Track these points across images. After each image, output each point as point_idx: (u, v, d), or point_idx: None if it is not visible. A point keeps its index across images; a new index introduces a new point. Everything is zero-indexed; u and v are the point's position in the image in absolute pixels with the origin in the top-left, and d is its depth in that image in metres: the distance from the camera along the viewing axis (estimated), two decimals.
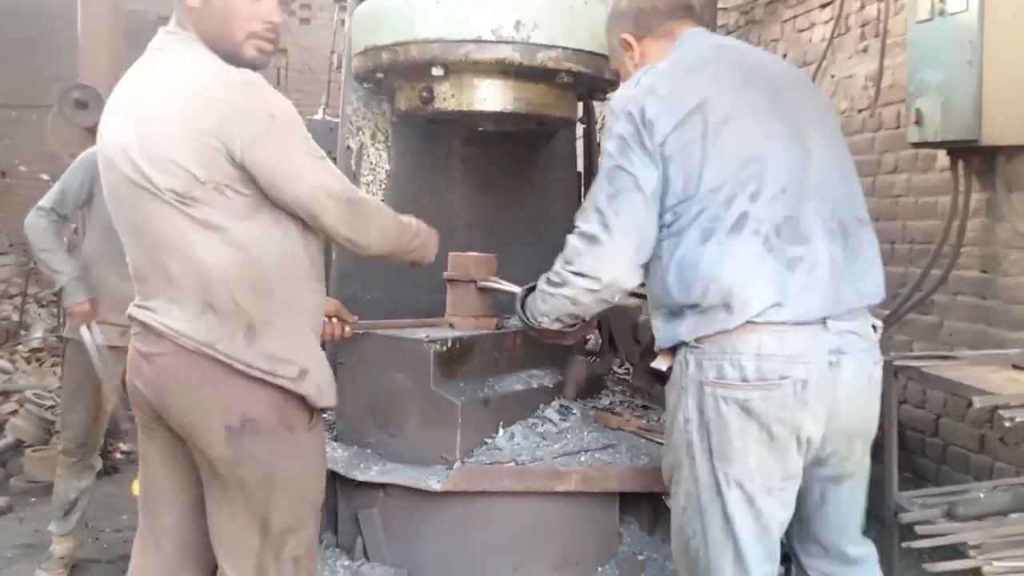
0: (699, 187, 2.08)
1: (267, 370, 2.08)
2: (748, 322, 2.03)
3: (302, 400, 2.14)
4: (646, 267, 2.19)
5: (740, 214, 2.05)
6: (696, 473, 2.14)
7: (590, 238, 2.17)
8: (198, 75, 2.10)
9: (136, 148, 2.06)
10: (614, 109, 2.20)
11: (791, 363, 2.03)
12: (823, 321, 2.06)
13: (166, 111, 2.05)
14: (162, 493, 2.27)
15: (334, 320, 2.65)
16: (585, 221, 2.20)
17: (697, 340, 2.09)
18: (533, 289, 2.49)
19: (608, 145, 2.19)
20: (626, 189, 2.13)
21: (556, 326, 2.43)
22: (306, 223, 2.14)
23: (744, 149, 2.10)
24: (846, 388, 2.10)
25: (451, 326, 2.99)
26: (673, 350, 2.18)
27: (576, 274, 2.21)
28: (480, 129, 3.19)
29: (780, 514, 2.15)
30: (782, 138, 2.14)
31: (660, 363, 2.23)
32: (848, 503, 2.28)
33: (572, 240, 2.23)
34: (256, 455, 2.10)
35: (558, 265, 2.27)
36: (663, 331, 2.19)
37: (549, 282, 2.31)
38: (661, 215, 2.13)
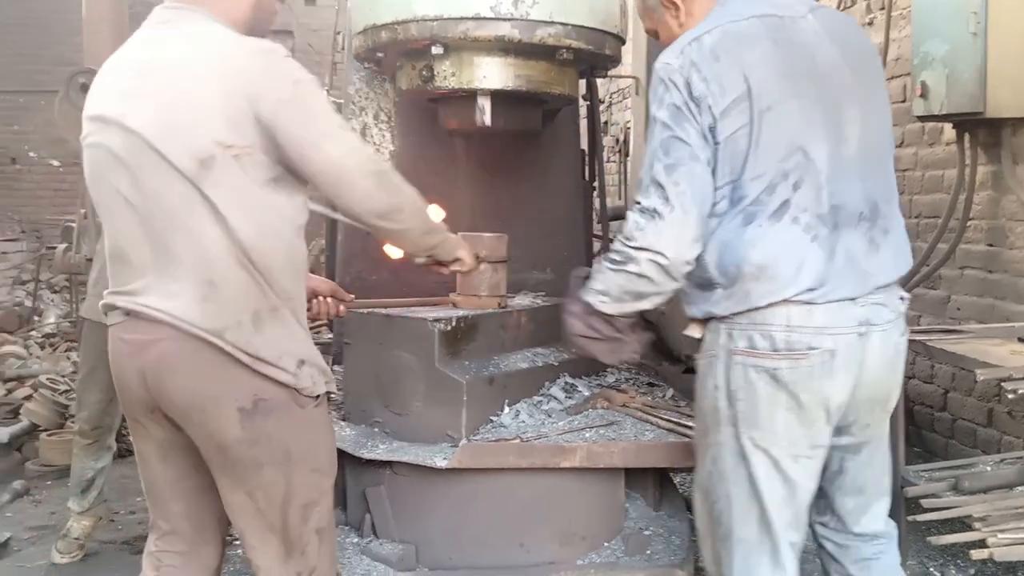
0: (743, 174, 2.09)
1: (271, 360, 2.06)
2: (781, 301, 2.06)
3: None
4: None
5: (782, 202, 2.07)
6: (721, 438, 2.18)
7: (651, 212, 2.08)
8: (221, 42, 2.07)
9: (147, 118, 2.00)
10: (662, 77, 2.13)
11: (820, 334, 2.06)
12: (852, 298, 2.08)
13: (190, 76, 2.02)
14: (166, 486, 2.26)
15: (329, 299, 2.65)
16: (645, 195, 2.12)
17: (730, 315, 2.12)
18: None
19: (660, 114, 2.12)
20: (685, 160, 2.07)
21: (614, 309, 2.24)
22: (307, 216, 2.12)
23: (788, 139, 2.10)
24: (873, 359, 2.12)
25: (454, 305, 2.99)
26: (704, 319, 2.21)
27: (639, 249, 2.10)
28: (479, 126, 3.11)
29: (806, 483, 2.17)
30: (823, 127, 2.13)
31: (692, 331, 2.25)
32: (865, 472, 2.30)
33: (632, 216, 2.14)
34: (272, 434, 2.08)
35: (618, 243, 2.17)
36: (696, 302, 2.21)
37: (610, 260, 2.19)
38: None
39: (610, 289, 2.21)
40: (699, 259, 2.14)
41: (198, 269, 2.01)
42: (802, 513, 2.20)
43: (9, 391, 6.18)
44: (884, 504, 2.38)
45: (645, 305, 2.22)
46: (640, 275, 2.12)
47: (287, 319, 2.11)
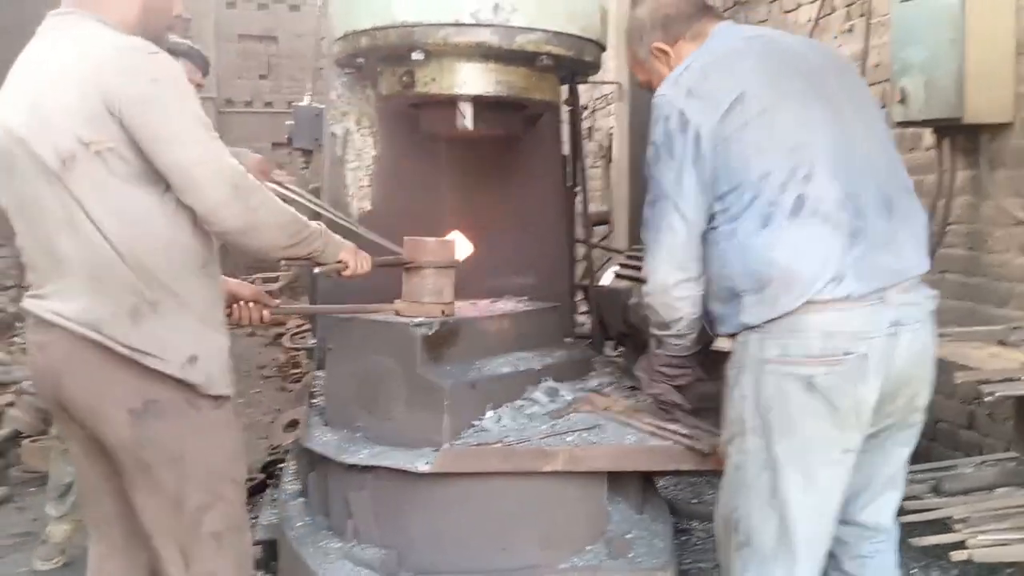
0: (747, 175, 2.14)
1: (154, 352, 2.05)
2: (811, 301, 2.07)
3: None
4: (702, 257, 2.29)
5: (797, 197, 2.11)
6: (746, 447, 2.20)
7: (645, 248, 2.40)
8: (89, 43, 2.07)
9: (24, 120, 2.04)
10: (654, 111, 2.29)
11: (856, 339, 2.07)
12: (881, 296, 2.09)
13: (56, 78, 2.03)
14: (93, 484, 2.28)
15: (251, 305, 2.56)
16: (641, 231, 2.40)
17: (762, 322, 2.14)
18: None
19: (648, 152, 2.31)
20: (660, 198, 2.28)
21: (667, 333, 2.47)
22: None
23: (788, 135, 2.16)
24: (900, 357, 2.13)
25: (396, 312, 2.89)
26: (735, 332, 2.24)
27: (644, 282, 2.43)
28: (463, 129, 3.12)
29: (836, 489, 2.18)
30: (822, 122, 2.19)
31: (722, 344, 2.29)
32: (881, 460, 2.32)
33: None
34: (162, 437, 2.09)
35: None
36: (725, 317, 2.24)
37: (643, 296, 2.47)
38: (716, 202, 2.20)
39: (651, 319, 2.47)
40: (720, 270, 2.22)
41: (78, 267, 2.04)
42: (832, 521, 2.21)
43: None
44: (893, 499, 2.40)
45: (668, 327, 2.44)
46: (648, 306, 2.42)
47: (172, 313, 2.08)
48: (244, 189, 2.07)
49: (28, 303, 2.13)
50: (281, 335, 9.48)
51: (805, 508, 2.15)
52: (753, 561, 2.20)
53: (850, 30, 5.06)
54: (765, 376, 2.14)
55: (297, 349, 8.37)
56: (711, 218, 2.23)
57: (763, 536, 2.18)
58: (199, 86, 3.38)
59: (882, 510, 2.38)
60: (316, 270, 2.45)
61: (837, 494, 2.19)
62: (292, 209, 2.24)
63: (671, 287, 2.31)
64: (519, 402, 3.02)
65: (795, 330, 2.10)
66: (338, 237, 2.43)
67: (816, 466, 2.14)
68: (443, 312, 2.83)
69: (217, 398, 2.17)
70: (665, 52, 2.46)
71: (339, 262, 2.43)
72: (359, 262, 2.48)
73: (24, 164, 2.05)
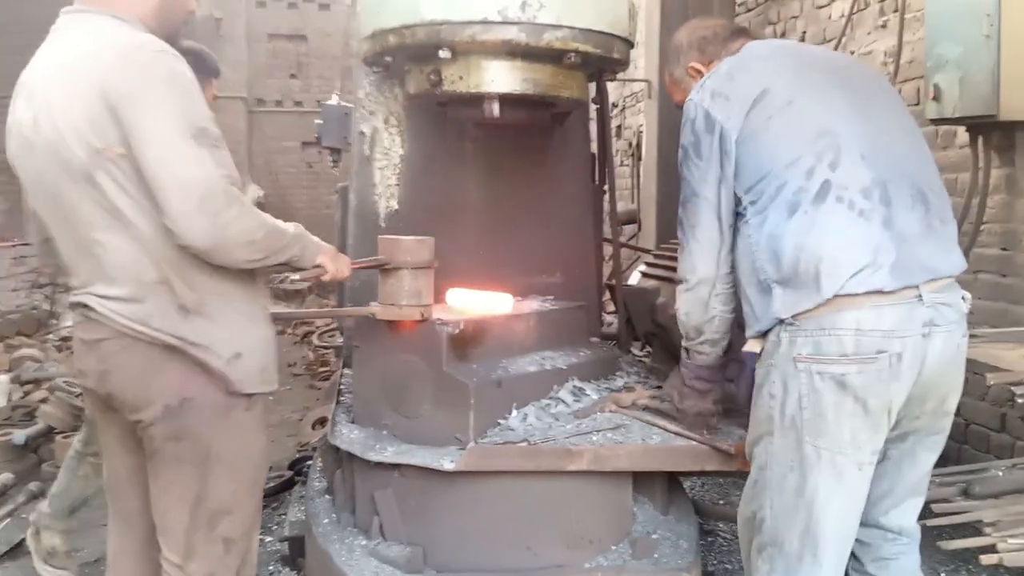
0: (775, 164, 2.18)
1: (203, 343, 2.08)
2: (845, 295, 2.06)
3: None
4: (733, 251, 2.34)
5: (823, 182, 2.12)
6: (772, 448, 2.20)
7: (680, 248, 2.46)
8: (97, 43, 2.05)
9: (46, 126, 2.03)
10: (684, 116, 2.39)
11: (889, 338, 2.06)
12: (918, 293, 2.08)
13: (66, 83, 2.02)
14: (124, 478, 2.32)
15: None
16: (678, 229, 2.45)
17: (793, 316, 2.13)
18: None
19: (679, 153, 2.40)
20: (690, 197, 2.37)
21: (692, 344, 2.54)
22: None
23: (814, 124, 2.20)
24: (933, 358, 2.12)
25: (373, 315, 2.85)
26: (766, 331, 2.24)
27: (679, 282, 2.48)
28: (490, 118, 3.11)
29: (863, 490, 2.19)
30: (848, 113, 2.22)
31: (752, 346, 2.30)
32: (908, 464, 2.31)
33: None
34: (194, 432, 2.13)
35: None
36: (758, 311, 2.24)
37: (676, 303, 2.52)
38: (745, 194, 2.25)
39: (683, 328, 2.53)
40: (751, 262, 2.23)
41: (121, 267, 2.06)
42: (856, 521, 2.21)
43: (26, 394, 6.22)
44: (917, 503, 2.39)
45: (710, 336, 2.49)
46: (684, 307, 2.47)
47: (216, 312, 2.12)
48: (213, 202, 1.98)
49: (79, 298, 2.14)
50: (310, 334, 9.55)
51: (832, 509, 2.14)
52: (778, 562, 2.19)
53: (884, 25, 5.01)
54: (797, 374, 2.13)
55: (325, 347, 8.42)
56: (741, 212, 2.27)
57: (788, 537, 2.17)
58: (213, 98, 3.35)
59: (906, 514, 2.37)
60: (294, 276, 2.38)
61: (862, 495, 2.18)
62: (269, 220, 2.16)
63: (710, 283, 2.36)
64: (545, 401, 3.01)
65: (828, 327, 2.08)
66: (316, 239, 2.36)
67: (845, 466, 2.12)
68: (422, 315, 2.77)
69: (250, 397, 2.20)
70: (700, 72, 2.54)
71: (317, 266, 2.36)
72: (338, 267, 2.43)
73: (54, 169, 2.05)
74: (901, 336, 2.06)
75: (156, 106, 1.97)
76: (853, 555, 2.34)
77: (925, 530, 3.15)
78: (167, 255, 2.04)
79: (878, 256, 2.06)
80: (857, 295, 2.06)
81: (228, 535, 2.21)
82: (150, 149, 1.95)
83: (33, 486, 4.75)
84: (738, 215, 2.30)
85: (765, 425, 2.22)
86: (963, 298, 2.21)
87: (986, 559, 2.69)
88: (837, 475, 2.12)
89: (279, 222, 2.22)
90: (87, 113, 1.97)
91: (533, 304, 3.39)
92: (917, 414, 2.22)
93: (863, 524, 2.31)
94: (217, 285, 2.12)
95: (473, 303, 3.09)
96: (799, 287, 2.11)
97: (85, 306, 2.12)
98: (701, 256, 2.36)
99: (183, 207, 1.95)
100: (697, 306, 2.42)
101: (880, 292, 2.05)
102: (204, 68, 3.38)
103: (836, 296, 2.06)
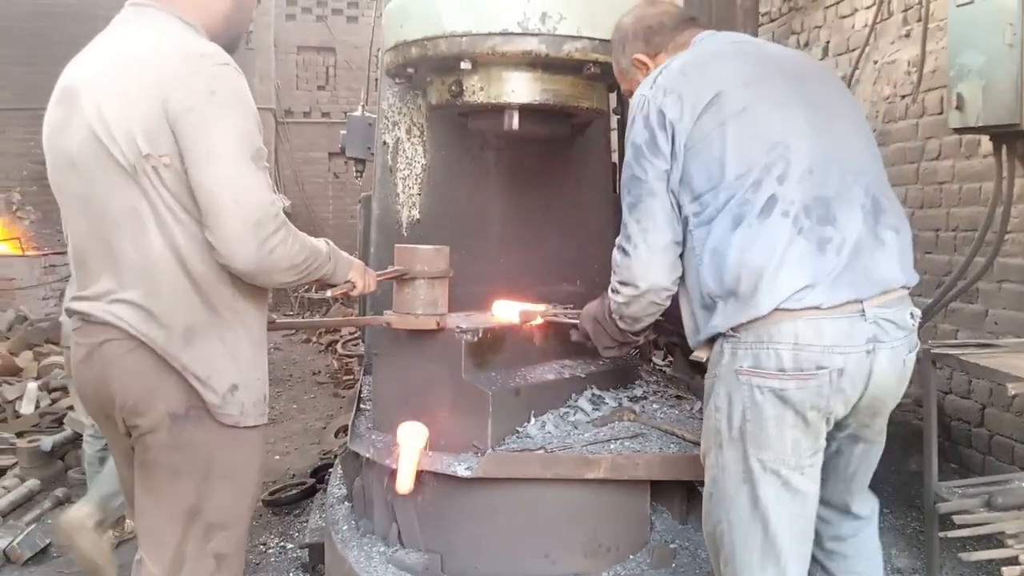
0: (724, 175, 2.10)
1: (201, 377, 2.04)
2: (782, 309, 2.02)
3: None
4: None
5: (768, 196, 2.06)
6: (722, 461, 2.17)
7: (623, 249, 2.26)
8: (160, 42, 2.01)
9: (95, 119, 1.99)
10: (631, 112, 2.26)
11: (829, 353, 2.02)
12: (860, 308, 2.04)
13: (122, 81, 1.98)
14: (132, 486, 2.25)
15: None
16: (620, 233, 2.28)
17: (733, 329, 2.09)
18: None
19: (627, 152, 2.25)
20: (644, 196, 2.20)
21: (624, 325, 2.45)
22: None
23: (766, 135, 2.12)
24: (879, 375, 2.09)
25: (388, 324, 2.90)
26: (711, 341, 2.20)
27: (621, 283, 2.30)
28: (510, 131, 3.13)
29: (813, 488, 2.16)
30: (803, 122, 2.15)
31: (699, 354, 2.26)
32: (858, 461, 2.31)
33: (614, 252, 2.31)
34: (198, 443, 2.08)
35: (612, 275, 2.36)
36: (700, 324, 2.20)
37: (611, 290, 2.37)
38: (690, 204, 2.15)
39: (615, 313, 2.40)
40: (696, 274, 2.16)
41: (138, 271, 2.01)
42: (810, 524, 2.19)
43: (54, 401, 6.30)
44: (869, 496, 2.39)
45: (647, 323, 2.40)
46: (625, 304, 2.32)
47: (225, 339, 2.08)
48: (266, 228, 1.98)
49: (77, 304, 2.10)
50: (334, 343, 9.60)
51: (785, 517, 2.11)
52: (743, 574, 2.16)
53: (907, 35, 4.99)
54: (739, 387, 2.09)
55: (349, 356, 8.47)
56: (685, 222, 2.18)
57: (747, 551, 2.14)
58: None
59: (861, 496, 2.37)
60: (328, 293, 2.41)
61: (815, 494, 2.17)
62: (309, 242, 2.17)
63: (664, 288, 2.24)
64: (563, 409, 3.02)
65: (766, 340, 2.05)
66: (345, 255, 2.39)
67: (792, 472, 2.10)
68: (437, 324, 2.81)
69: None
70: (644, 64, 2.46)
71: (347, 282, 2.39)
72: (367, 281, 2.46)
73: (95, 162, 2.00)
74: (843, 352, 2.03)
75: (219, 125, 1.95)
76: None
77: (948, 542, 3.14)
78: (193, 269, 2.02)
79: (818, 275, 2.02)
80: (795, 309, 2.02)
81: (222, 551, 2.15)
82: (210, 168, 1.93)
83: (59, 492, 4.81)
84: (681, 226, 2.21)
85: (713, 436, 2.18)
86: (911, 314, 2.16)
87: (1008, 571, 2.66)
88: (783, 484, 2.09)
89: (313, 240, 2.22)
90: (143, 117, 1.94)
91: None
92: (867, 423, 2.22)
93: (826, 507, 2.31)
94: (235, 303, 2.09)
95: (516, 314, 3.09)
96: (738, 301, 2.06)
97: (84, 313, 2.08)
98: (652, 262, 2.20)
99: (236, 230, 1.94)
100: (647, 310, 2.31)
101: (818, 308, 2.02)
102: None
103: (774, 310, 2.02)
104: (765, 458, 2.09)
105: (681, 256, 2.22)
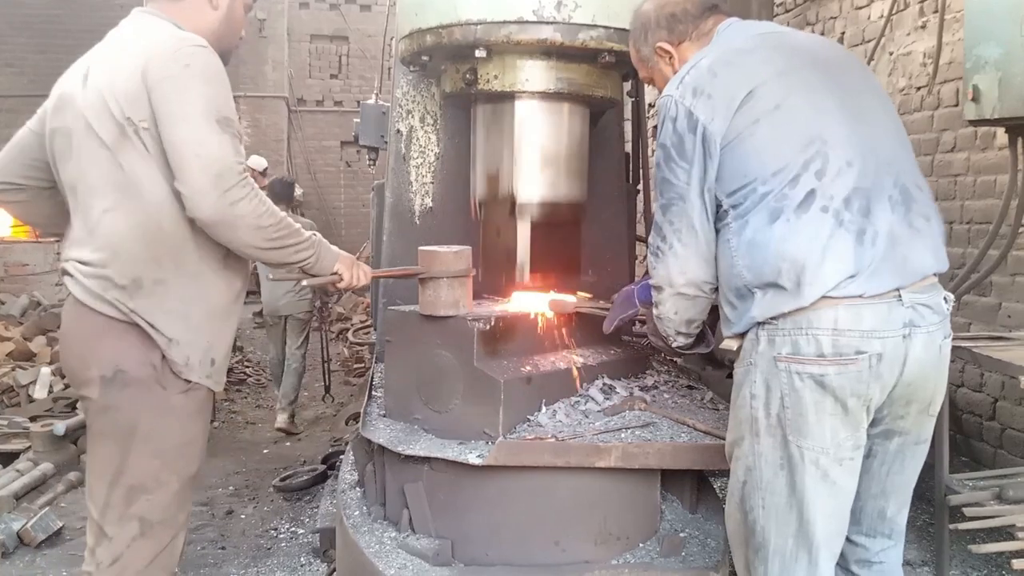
0: (761, 171, 2.09)
1: (149, 320, 2.18)
2: (824, 297, 2.02)
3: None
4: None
5: (808, 192, 2.06)
6: (759, 449, 2.16)
7: (656, 252, 2.28)
8: (152, 36, 2.24)
9: (88, 98, 2.20)
10: (660, 113, 2.24)
11: (867, 338, 2.03)
12: (898, 294, 2.05)
13: (116, 63, 2.21)
14: None
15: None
16: (652, 235, 2.29)
17: (772, 317, 2.09)
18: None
19: (657, 154, 2.25)
20: (675, 200, 2.21)
21: (681, 342, 2.46)
22: None
23: (802, 129, 2.11)
24: (913, 360, 2.08)
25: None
26: (744, 331, 2.19)
27: (658, 288, 2.32)
28: None
29: (850, 484, 2.15)
30: (836, 113, 2.14)
31: (729, 343, 2.27)
32: (892, 459, 2.26)
33: (648, 256, 2.33)
34: (122, 406, 2.19)
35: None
36: (734, 315, 2.19)
37: (654, 306, 2.39)
38: (726, 198, 2.15)
39: (667, 328, 2.41)
40: (730, 267, 2.16)
41: (102, 233, 2.19)
42: (846, 518, 2.18)
43: (67, 385, 6.34)
44: (902, 507, 2.34)
45: (698, 317, 2.38)
46: (673, 310, 2.33)
47: (177, 301, 2.22)
48: (227, 181, 2.12)
49: (63, 265, 2.28)
50: (345, 330, 9.62)
51: (820, 507, 2.11)
52: (775, 563, 2.16)
53: (923, 26, 4.96)
54: (778, 374, 2.09)
55: (361, 344, 8.49)
56: (721, 215, 2.18)
57: (782, 538, 2.14)
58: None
59: (891, 517, 2.33)
60: (304, 282, 2.49)
61: (850, 490, 2.16)
62: (285, 217, 2.28)
63: (705, 281, 2.25)
64: (574, 398, 3.02)
65: (804, 327, 2.05)
66: (335, 249, 2.48)
67: (828, 465, 2.09)
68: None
69: (188, 384, 2.27)
70: (667, 52, 2.43)
71: (334, 273, 2.47)
72: (355, 274, 2.52)
73: (82, 139, 2.20)
74: (881, 336, 2.03)
75: (188, 91, 2.14)
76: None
77: (958, 534, 3.13)
78: (163, 229, 2.18)
79: (860, 265, 2.02)
80: (837, 297, 2.02)
81: (145, 515, 2.22)
82: (176, 128, 2.12)
83: (72, 476, 4.85)
84: (717, 217, 2.21)
85: (748, 425, 2.17)
86: (945, 299, 2.16)
87: (1018, 564, 2.66)
88: (822, 475, 2.09)
89: (292, 219, 2.33)
90: (129, 91, 2.14)
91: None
92: (901, 414, 2.19)
93: (850, 521, 2.28)
94: (190, 273, 2.24)
95: (537, 304, 3.10)
96: (779, 292, 2.06)
97: (66, 272, 2.26)
98: (689, 259, 2.21)
99: (199, 181, 2.10)
100: (689, 310, 2.33)
101: (861, 296, 2.02)
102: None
103: (820, 298, 2.02)
104: (804, 445, 2.08)
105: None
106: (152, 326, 2.19)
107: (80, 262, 2.22)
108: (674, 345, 2.49)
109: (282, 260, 2.34)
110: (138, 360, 2.19)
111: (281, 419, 6.67)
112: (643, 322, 2.71)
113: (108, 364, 2.18)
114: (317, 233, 2.44)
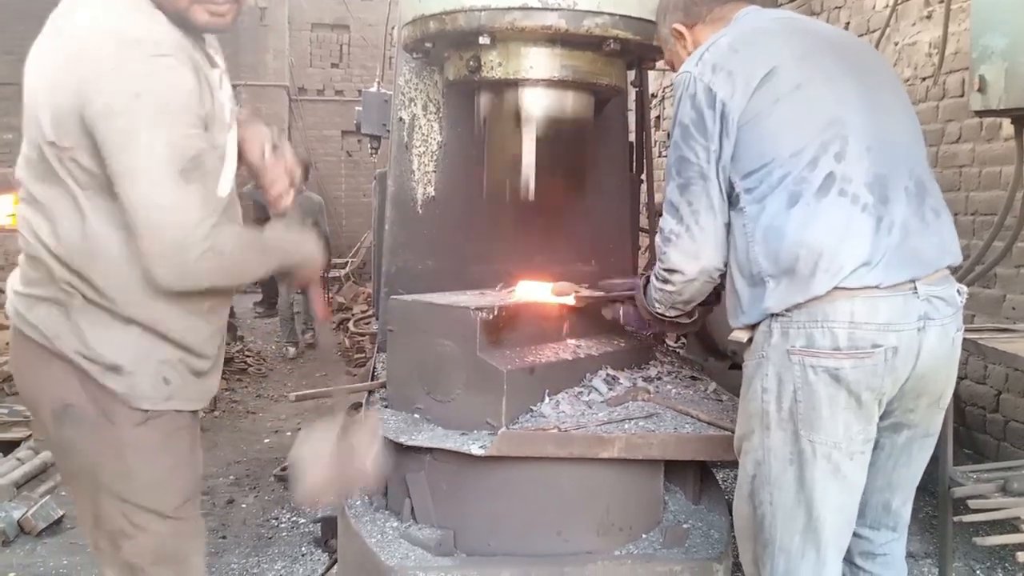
0: (779, 152, 2.07)
1: (75, 349, 1.86)
2: (839, 288, 2.00)
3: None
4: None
5: (826, 175, 2.03)
6: (769, 443, 2.13)
7: (671, 236, 2.23)
8: (92, 21, 1.78)
9: (28, 97, 1.84)
10: (677, 91, 2.21)
11: (883, 331, 2.01)
12: (913, 286, 2.03)
13: (45, 60, 1.81)
14: None
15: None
16: (665, 219, 2.25)
17: (786, 309, 2.06)
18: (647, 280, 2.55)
19: (675, 132, 2.21)
20: (695, 179, 2.17)
21: (672, 314, 2.48)
22: None
23: (822, 112, 2.10)
24: (927, 353, 2.06)
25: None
26: (756, 323, 2.17)
27: (669, 271, 2.29)
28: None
29: (860, 479, 2.14)
30: (855, 101, 2.12)
31: (739, 335, 2.23)
32: (899, 452, 2.24)
33: (659, 240, 2.29)
34: (77, 446, 1.91)
35: (657, 264, 2.34)
36: (746, 305, 2.16)
37: (657, 278, 2.37)
38: (741, 181, 2.12)
39: (661, 301, 2.44)
40: (745, 253, 2.13)
41: (36, 258, 1.89)
42: (855, 512, 2.17)
43: None
44: (907, 499, 2.33)
45: (697, 302, 2.41)
46: (678, 292, 2.34)
47: (114, 325, 1.89)
48: (187, 252, 1.79)
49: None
50: (346, 320, 9.62)
51: (830, 503, 2.09)
52: (781, 559, 2.14)
53: (929, 16, 4.94)
54: (791, 367, 2.06)
55: (361, 334, 8.49)
56: (734, 200, 2.15)
57: (789, 535, 2.12)
58: None
59: (896, 509, 2.32)
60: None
61: (859, 484, 2.14)
62: (250, 249, 1.98)
63: (717, 268, 2.23)
64: (577, 389, 3.01)
65: (820, 319, 2.02)
66: (316, 251, 2.21)
67: (840, 459, 2.07)
68: None
69: (146, 413, 1.93)
70: (681, 34, 2.43)
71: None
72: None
73: (26, 140, 1.88)
74: (897, 330, 2.01)
75: (141, 137, 1.74)
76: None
77: (962, 527, 3.13)
78: (98, 249, 1.85)
79: (876, 253, 2.00)
80: (852, 288, 2.00)
81: (133, 560, 1.96)
82: (131, 186, 1.75)
83: None
84: (729, 201, 2.18)
85: (758, 419, 2.15)
86: (958, 291, 2.14)
87: (1022, 556, 2.65)
88: (833, 469, 2.07)
89: (273, 236, 2.08)
90: (53, 107, 1.77)
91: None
92: (911, 407, 2.17)
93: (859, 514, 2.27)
94: (119, 290, 1.88)
95: (541, 294, 3.09)
96: (793, 281, 2.03)
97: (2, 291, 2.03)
98: (706, 243, 2.18)
99: (157, 248, 1.78)
100: (695, 294, 2.33)
101: (877, 287, 2.00)
102: None
103: (833, 289, 2.00)
104: (816, 440, 2.06)
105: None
106: (82, 355, 1.86)
107: (14, 289, 1.94)
108: (662, 313, 2.50)
109: (256, 278, 2.11)
110: (78, 391, 1.87)
111: (292, 351, 8.73)
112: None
113: (55, 398, 1.89)
114: (282, 242, 2.14)
